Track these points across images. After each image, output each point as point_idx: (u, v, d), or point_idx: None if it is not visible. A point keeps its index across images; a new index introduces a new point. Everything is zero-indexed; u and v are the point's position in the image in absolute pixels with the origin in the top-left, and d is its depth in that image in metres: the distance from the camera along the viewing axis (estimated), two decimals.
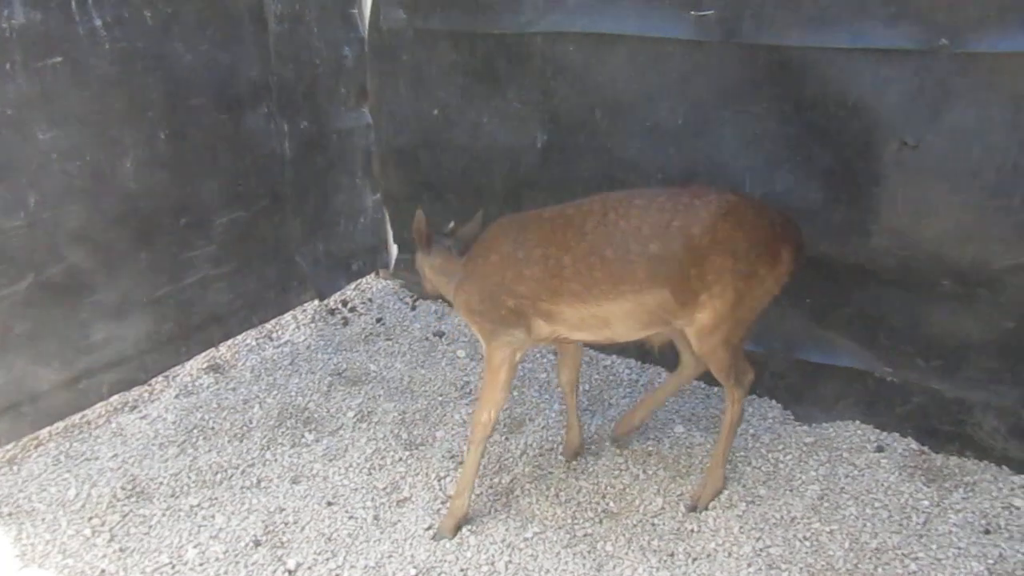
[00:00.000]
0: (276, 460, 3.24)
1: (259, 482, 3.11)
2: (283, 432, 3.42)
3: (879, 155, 2.92)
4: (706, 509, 2.88)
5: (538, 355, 3.94)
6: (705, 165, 3.31)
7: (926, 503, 2.88)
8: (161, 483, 3.08)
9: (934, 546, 2.69)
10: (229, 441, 3.36)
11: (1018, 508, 2.83)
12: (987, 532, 2.74)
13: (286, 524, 2.89)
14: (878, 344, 3.18)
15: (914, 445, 3.18)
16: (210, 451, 3.28)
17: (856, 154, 2.97)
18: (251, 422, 3.48)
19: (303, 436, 3.40)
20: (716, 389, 3.58)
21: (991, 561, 2.62)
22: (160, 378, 3.74)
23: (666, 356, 3.59)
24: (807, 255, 2.73)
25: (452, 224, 2.93)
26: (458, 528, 2.84)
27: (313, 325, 4.31)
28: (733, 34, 3.06)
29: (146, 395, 3.65)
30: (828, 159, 3.04)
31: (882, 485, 2.98)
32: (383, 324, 4.33)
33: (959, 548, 2.68)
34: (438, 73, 3.96)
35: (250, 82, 3.76)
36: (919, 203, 2.90)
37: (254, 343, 4.12)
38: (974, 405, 3.03)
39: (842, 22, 2.84)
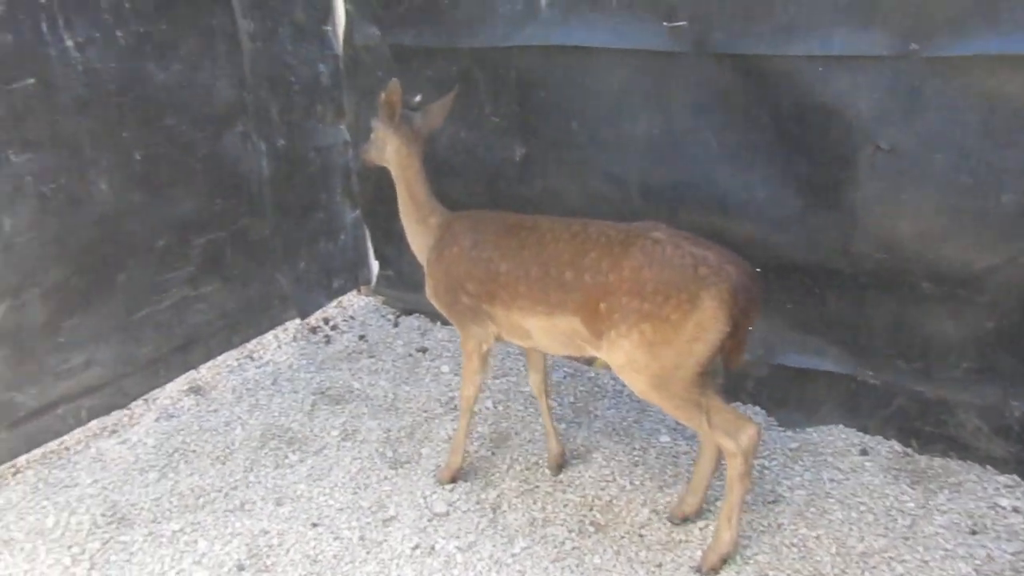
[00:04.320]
0: (259, 482, 3.20)
1: (242, 505, 3.07)
2: (266, 453, 3.38)
3: (854, 160, 2.94)
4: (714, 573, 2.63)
5: (522, 368, 3.93)
6: (683, 176, 3.32)
7: (911, 505, 2.89)
8: (142, 508, 3.03)
9: (921, 548, 2.69)
10: (211, 464, 3.31)
11: (1003, 508, 2.84)
12: (974, 533, 2.74)
13: (270, 547, 2.85)
14: (859, 347, 3.19)
15: (898, 447, 3.19)
16: (192, 475, 3.23)
17: (831, 160, 3.00)
18: (233, 444, 3.44)
19: (287, 457, 3.36)
20: None
21: (978, 562, 2.62)
22: (140, 402, 3.69)
23: None
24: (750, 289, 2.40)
25: (419, 97, 2.99)
26: (454, 479, 3.13)
27: (295, 344, 4.28)
28: (705, 45, 3.08)
29: (126, 419, 3.60)
30: (804, 166, 3.06)
31: (867, 488, 2.99)
32: (366, 341, 4.31)
33: (946, 550, 2.68)
34: (414, 88, 3.94)
35: (225, 101, 3.75)
36: (895, 206, 2.92)
37: (235, 364, 4.08)
38: (956, 405, 3.05)
39: (812, 30, 2.86)
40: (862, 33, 2.78)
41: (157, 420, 3.60)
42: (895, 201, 2.92)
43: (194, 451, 3.38)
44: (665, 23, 3.12)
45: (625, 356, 2.46)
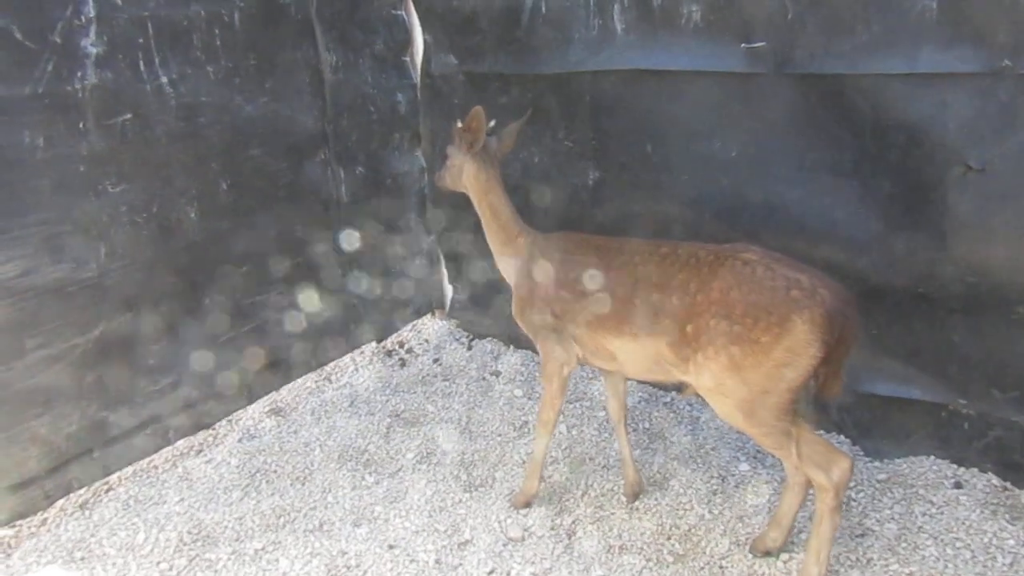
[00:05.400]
0: (338, 503, 3.25)
1: (321, 525, 3.12)
2: (344, 474, 3.43)
3: (942, 181, 2.85)
4: None
5: (596, 394, 3.90)
6: (761, 198, 3.27)
7: (1012, 542, 2.74)
8: (226, 527, 3.11)
9: None
10: (291, 484, 3.38)
11: None
12: None
13: (348, 568, 2.88)
14: (950, 375, 3.06)
15: (995, 481, 3.04)
16: (273, 494, 3.31)
17: (917, 181, 2.90)
18: (312, 465, 3.51)
19: (364, 478, 3.41)
20: None
21: None
22: (224, 422, 3.81)
23: None
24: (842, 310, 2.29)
25: (493, 123, 3.02)
26: (528, 504, 3.12)
27: (371, 367, 4.35)
28: (785, 65, 3.04)
29: (211, 439, 3.72)
30: (888, 187, 2.98)
31: (963, 524, 2.85)
32: (440, 364, 4.35)
33: None
34: (489, 115, 4.00)
35: (307, 131, 3.87)
36: (986, 229, 2.81)
37: (314, 386, 4.17)
38: None
39: (896, 47, 2.79)
40: (950, 49, 2.70)
41: (240, 441, 3.71)
42: (986, 223, 2.82)
43: (275, 471, 3.46)
44: (743, 44, 3.09)
45: (713, 380, 2.41)
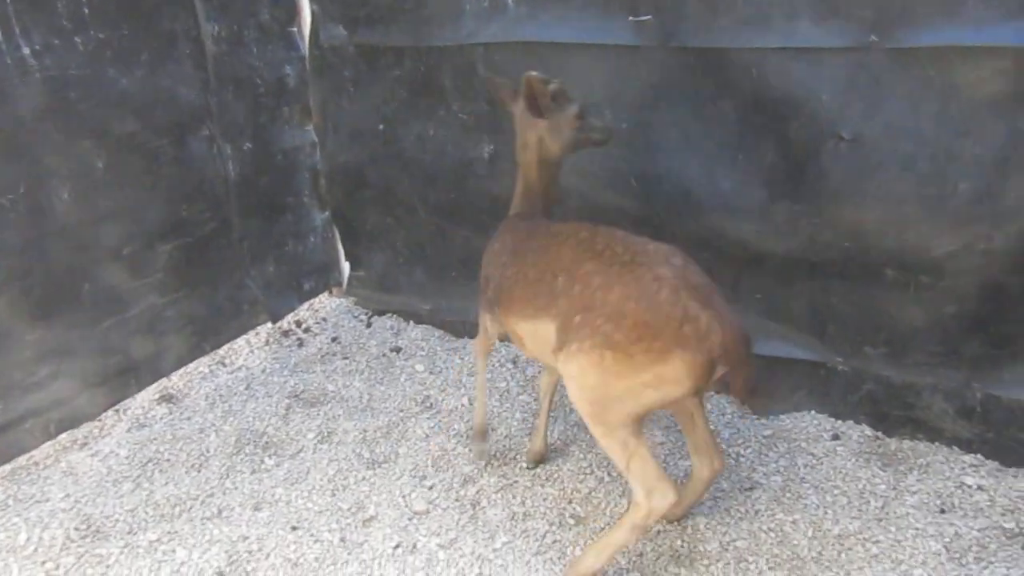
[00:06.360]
0: (236, 488, 3.17)
1: (220, 512, 3.04)
2: (242, 459, 3.35)
3: (818, 151, 3.00)
4: None
5: (497, 365, 3.94)
6: (650, 169, 3.36)
7: (883, 487, 2.96)
8: (117, 520, 2.99)
9: (893, 528, 2.76)
10: (186, 472, 3.28)
11: (969, 487, 2.92)
12: (942, 511, 2.82)
13: (250, 552, 2.83)
14: (828, 335, 3.26)
15: (868, 431, 3.27)
16: (167, 484, 3.19)
17: (796, 151, 3.05)
18: (208, 451, 3.40)
19: (263, 461, 3.33)
20: None
21: (947, 539, 2.70)
22: (111, 412, 3.64)
23: None
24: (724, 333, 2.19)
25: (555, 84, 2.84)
26: (482, 443, 3.25)
27: (267, 348, 4.24)
28: (671, 38, 3.11)
29: (96, 431, 3.55)
30: (769, 157, 3.11)
31: (840, 472, 3.05)
32: (339, 343, 4.28)
33: (917, 529, 2.75)
34: (381, 88, 3.94)
35: (190, 105, 3.69)
36: (858, 195, 2.98)
37: (207, 370, 4.03)
38: (922, 389, 3.12)
39: (773, 22, 2.91)
40: (823, 25, 2.83)
41: (129, 430, 3.55)
42: (858, 190, 2.98)
43: (168, 460, 3.34)
44: (631, 17, 3.14)
45: (577, 369, 2.37)
